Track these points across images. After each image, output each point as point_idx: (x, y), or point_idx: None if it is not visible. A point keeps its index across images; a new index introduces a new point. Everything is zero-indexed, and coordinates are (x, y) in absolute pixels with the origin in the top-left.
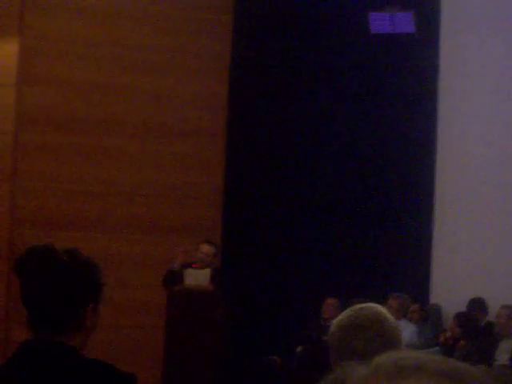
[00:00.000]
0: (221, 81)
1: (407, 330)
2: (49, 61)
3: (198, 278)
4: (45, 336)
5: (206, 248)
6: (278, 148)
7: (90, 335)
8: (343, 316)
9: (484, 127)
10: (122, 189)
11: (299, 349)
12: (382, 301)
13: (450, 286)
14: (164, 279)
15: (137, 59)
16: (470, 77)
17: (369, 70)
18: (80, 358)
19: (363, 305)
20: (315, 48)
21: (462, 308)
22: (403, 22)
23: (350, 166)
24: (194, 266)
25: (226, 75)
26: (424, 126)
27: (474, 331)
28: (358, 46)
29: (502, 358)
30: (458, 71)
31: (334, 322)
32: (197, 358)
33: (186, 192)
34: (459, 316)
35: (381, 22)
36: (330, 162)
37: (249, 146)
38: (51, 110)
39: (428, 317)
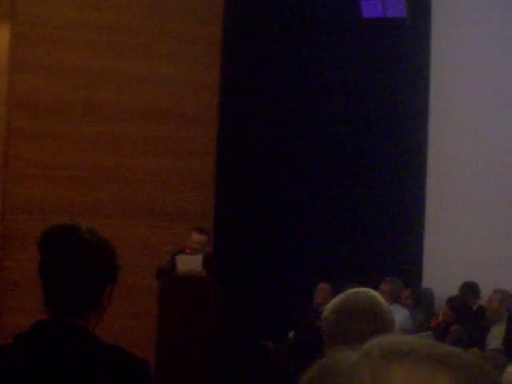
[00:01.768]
0: (213, 66)
1: (399, 315)
2: (40, 47)
3: (190, 263)
4: (60, 316)
5: (197, 237)
6: (271, 134)
7: (103, 316)
8: (337, 300)
9: (476, 109)
10: (114, 175)
11: (291, 334)
12: (374, 285)
13: (442, 271)
14: (156, 275)
15: (129, 44)
16: (463, 61)
17: (360, 54)
18: (94, 341)
19: (357, 289)
20: (308, 32)
21: (455, 292)
22: (395, 7)
23: (342, 149)
24: (186, 251)
25: (218, 60)
26: (416, 112)
27: (467, 315)
28: (349, 30)
29: (493, 342)
30: (450, 55)
31: (328, 306)
32: (190, 344)
33: (178, 177)
34: (452, 300)
35: (372, 7)
36: (322, 147)
37: (241, 131)
38: (43, 96)
39: (420, 301)
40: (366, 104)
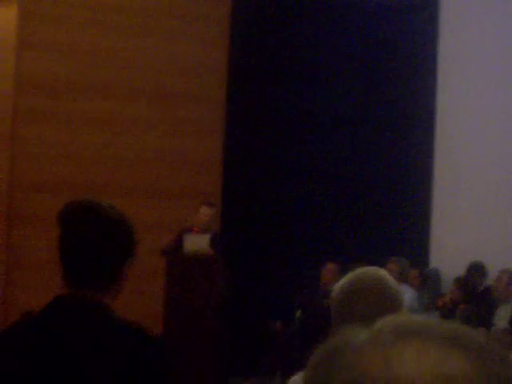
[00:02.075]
0: (222, 47)
1: (406, 295)
2: (48, 25)
3: (197, 242)
4: (79, 291)
5: (206, 210)
6: (279, 114)
7: (120, 292)
8: (346, 280)
9: (484, 99)
10: (122, 154)
11: (298, 313)
12: (380, 265)
13: (449, 251)
14: (161, 253)
15: (137, 24)
16: (470, 43)
17: (368, 37)
18: (112, 316)
19: (365, 268)
20: (316, 15)
21: (462, 273)
22: None
23: (348, 130)
24: (194, 230)
25: (226, 41)
26: (422, 97)
27: (474, 295)
28: (357, 13)
29: (501, 322)
30: (458, 38)
31: (337, 285)
32: (197, 323)
33: (186, 157)
34: (459, 279)
35: None
36: (330, 128)
37: (250, 110)
38: (50, 75)
39: (426, 281)
40: (375, 93)
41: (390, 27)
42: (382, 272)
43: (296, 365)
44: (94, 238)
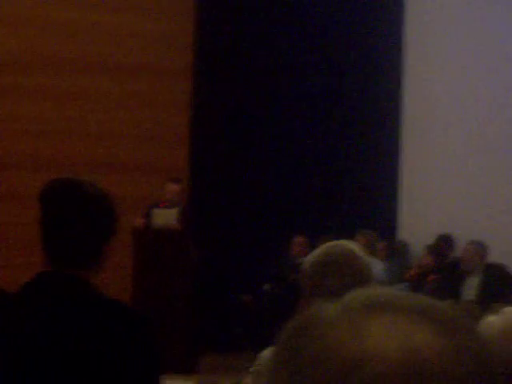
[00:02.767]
0: (188, 19)
1: (375, 267)
2: (12, 1)
3: (165, 217)
4: (62, 268)
5: (172, 187)
6: (246, 86)
7: (102, 269)
8: (316, 253)
9: (451, 70)
10: (90, 129)
11: (266, 287)
12: (349, 238)
13: (417, 223)
14: (132, 234)
15: None
16: (437, 20)
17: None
18: (95, 293)
19: (335, 242)
20: None
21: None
22: None
23: (318, 106)
24: (160, 205)
25: (192, 13)
26: (390, 69)
27: (443, 264)
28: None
29: (468, 293)
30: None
31: (306, 259)
32: (166, 298)
33: (154, 131)
34: (431, 246)
35: None
36: (300, 103)
37: (216, 83)
38: (14, 51)
39: (394, 253)
40: (345, 66)
41: (356, 12)
42: (352, 245)
43: (267, 339)
44: (76, 216)
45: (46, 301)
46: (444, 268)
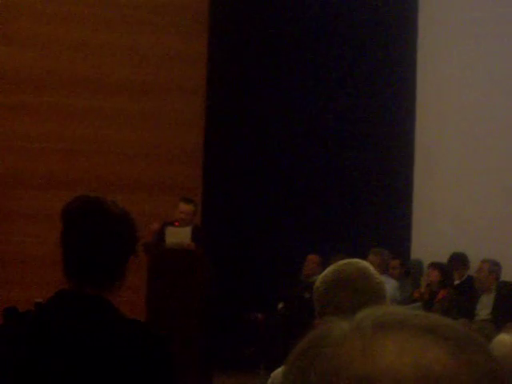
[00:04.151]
0: (201, 38)
1: (388, 286)
2: (27, 19)
3: (179, 235)
4: (81, 287)
5: (184, 207)
6: (259, 105)
7: (121, 288)
8: (328, 271)
9: (465, 73)
10: (102, 148)
11: (280, 305)
12: (363, 256)
13: (431, 241)
14: (143, 250)
15: (115, 17)
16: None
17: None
18: (115, 313)
19: (348, 260)
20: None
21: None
22: None
23: (332, 115)
24: (175, 224)
25: (205, 32)
26: (403, 70)
27: (451, 279)
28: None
29: (482, 312)
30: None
31: (319, 276)
32: (180, 317)
33: (167, 150)
34: (434, 264)
35: None
36: (312, 115)
37: (229, 103)
38: (28, 69)
39: (409, 272)
40: (357, 70)
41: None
42: (365, 263)
43: (280, 358)
44: (97, 235)
45: (67, 319)
46: (454, 285)
